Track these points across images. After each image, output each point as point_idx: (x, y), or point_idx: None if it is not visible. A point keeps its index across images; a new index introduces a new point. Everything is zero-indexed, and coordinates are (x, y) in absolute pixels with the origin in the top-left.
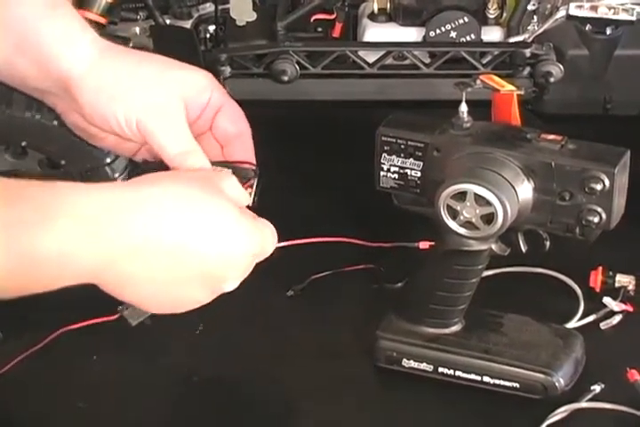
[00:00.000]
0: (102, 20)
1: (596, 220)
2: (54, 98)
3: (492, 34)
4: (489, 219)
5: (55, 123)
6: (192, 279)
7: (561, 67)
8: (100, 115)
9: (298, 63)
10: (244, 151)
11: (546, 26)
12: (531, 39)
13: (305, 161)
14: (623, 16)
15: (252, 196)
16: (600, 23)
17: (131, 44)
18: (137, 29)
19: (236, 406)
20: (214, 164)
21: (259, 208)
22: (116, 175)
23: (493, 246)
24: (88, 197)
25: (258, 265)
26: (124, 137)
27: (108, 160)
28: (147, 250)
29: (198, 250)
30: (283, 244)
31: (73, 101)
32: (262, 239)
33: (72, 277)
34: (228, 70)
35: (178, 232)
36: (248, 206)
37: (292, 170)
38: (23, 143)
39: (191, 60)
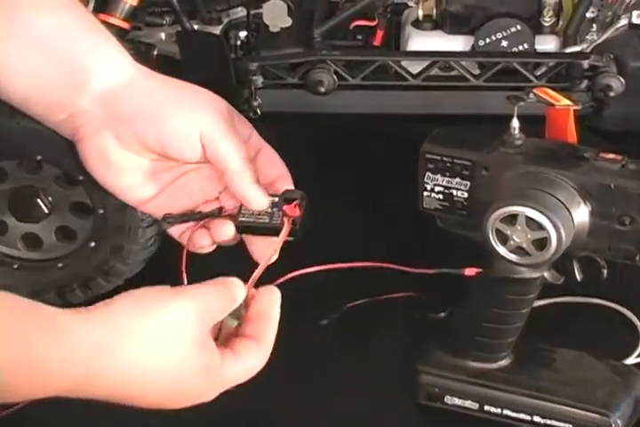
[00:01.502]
0: (126, 26)
1: None
2: (74, 119)
3: (547, 43)
4: (541, 244)
5: None
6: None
7: (622, 80)
8: (154, 128)
9: (335, 73)
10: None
11: (606, 35)
12: (589, 49)
13: (341, 179)
14: None
15: (300, 216)
16: None
17: (155, 51)
18: (162, 35)
19: None
20: None
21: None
22: None
23: (546, 274)
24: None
25: (288, 291)
26: (164, 155)
27: None
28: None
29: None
30: (316, 269)
31: (109, 116)
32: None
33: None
34: (259, 80)
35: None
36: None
37: (328, 189)
38: (38, 157)
39: (220, 68)
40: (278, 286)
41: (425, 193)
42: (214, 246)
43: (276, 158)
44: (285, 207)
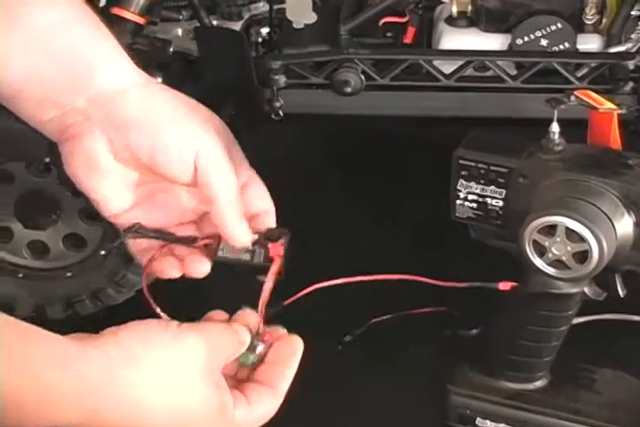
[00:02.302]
0: (141, 21)
1: None
2: (65, 117)
3: (590, 43)
4: (582, 257)
5: None
6: None
7: None
8: (148, 139)
9: (363, 73)
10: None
11: None
12: (635, 49)
13: (368, 186)
14: None
15: (284, 255)
16: None
17: (171, 48)
18: (179, 31)
19: None
20: None
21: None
22: None
23: (586, 289)
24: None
25: (310, 305)
26: (151, 169)
27: None
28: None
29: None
30: (339, 281)
31: (104, 118)
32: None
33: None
34: (282, 80)
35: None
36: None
37: (353, 195)
38: (46, 159)
39: (240, 67)
40: (300, 298)
41: (458, 201)
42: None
43: (264, 191)
44: (271, 246)
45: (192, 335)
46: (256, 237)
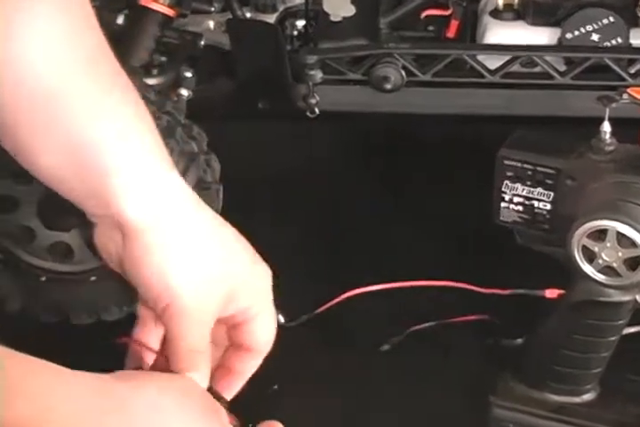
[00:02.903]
0: (170, 12)
1: None
2: (96, 218)
3: None
4: (634, 263)
5: None
6: None
7: None
8: (138, 273)
9: (404, 68)
10: (247, 367)
11: None
12: None
13: (408, 188)
14: None
15: None
16: None
17: (202, 42)
18: (211, 23)
19: None
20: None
21: None
22: None
23: (638, 298)
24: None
25: (345, 313)
26: (141, 294)
27: None
28: None
29: None
30: (376, 287)
31: (119, 240)
32: None
33: None
34: (318, 75)
35: None
36: None
37: (389, 199)
38: None
39: (275, 62)
40: (334, 306)
41: (502, 204)
42: None
43: (265, 331)
44: None
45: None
46: None
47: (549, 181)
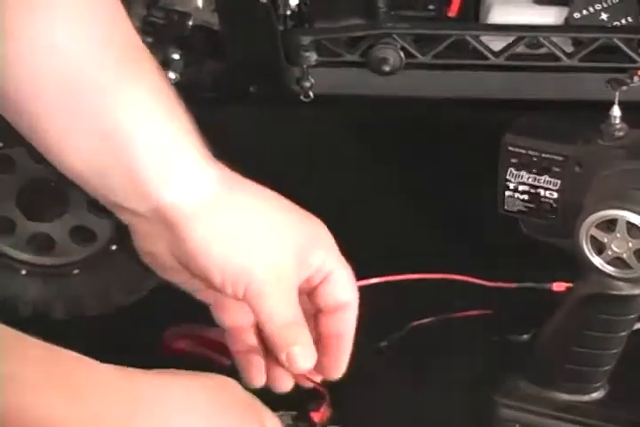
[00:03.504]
0: None
1: None
2: (138, 219)
3: None
4: None
5: None
6: None
7: None
8: (203, 264)
9: (403, 50)
10: (344, 325)
11: None
12: None
13: (405, 176)
14: None
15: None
16: None
17: (190, 21)
18: (199, 2)
19: None
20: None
21: None
22: None
23: None
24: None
25: None
26: (212, 288)
27: None
28: None
29: None
30: (374, 280)
31: (170, 236)
32: None
33: None
34: (313, 57)
35: None
36: None
37: (388, 187)
38: None
39: (267, 42)
40: None
41: (507, 193)
42: None
43: (347, 281)
44: (314, 414)
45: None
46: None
47: (556, 169)
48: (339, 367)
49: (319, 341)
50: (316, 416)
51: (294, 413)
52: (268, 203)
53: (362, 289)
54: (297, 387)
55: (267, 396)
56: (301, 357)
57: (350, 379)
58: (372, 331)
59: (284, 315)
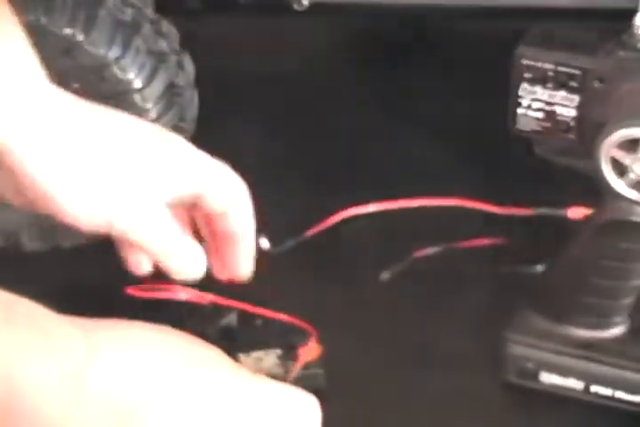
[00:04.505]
0: None
1: None
2: None
3: None
4: None
5: (69, 31)
6: None
7: None
8: (48, 206)
9: None
10: (237, 225)
11: None
12: None
13: (412, 93)
14: None
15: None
16: None
17: None
18: None
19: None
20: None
21: None
22: (148, 105)
23: None
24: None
25: (340, 237)
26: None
27: (138, 85)
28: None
29: None
30: (375, 207)
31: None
32: None
33: None
34: None
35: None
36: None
37: (393, 106)
38: None
39: None
40: (326, 229)
41: (520, 110)
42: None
43: (224, 193)
44: (302, 352)
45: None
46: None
47: (574, 84)
48: (241, 268)
49: (214, 240)
50: (304, 353)
51: (279, 351)
52: (119, 134)
53: (361, 217)
54: (282, 324)
55: (250, 334)
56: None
57: (348, 313)
58: (372, 262)
59: (161, 246)
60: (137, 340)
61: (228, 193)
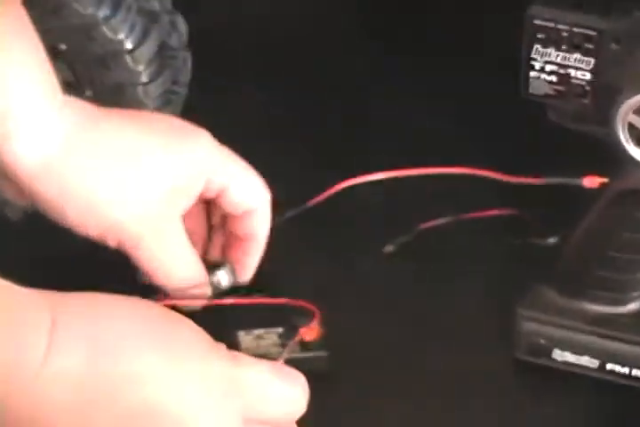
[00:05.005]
0: None
1: None
2: None
3: None
4: None
5: None
6: None
7: None
8: (62, 222)
9: None
10: (254, 228)
11: None
12: None
13: (419, 53)
14: None
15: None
16: None
17: None
18: None
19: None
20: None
21: None
22: (140, 68)
23: None
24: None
25: (341, 208)
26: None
27: (129, 46)
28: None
29: None
30: (380, 175)
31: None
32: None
33: None
34: None
35: None
36: None
37: (399, 67)
38: None
39: None
40: (327, 199)
41: (532, 74)
42: None
43: (247, 191)
44: (305, 332)
45: None
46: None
47: (589, 45)
48: (247, 270)
49: (228, 240)
50: (306, 333)
51: (280, 330)
52: (131, 137)
53: (365, 186)
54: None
55: (251, 312)
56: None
57: (351, 289)
58: (376, 234)
59: (176, 274)
60: (105, 312)
61: (251, 191)
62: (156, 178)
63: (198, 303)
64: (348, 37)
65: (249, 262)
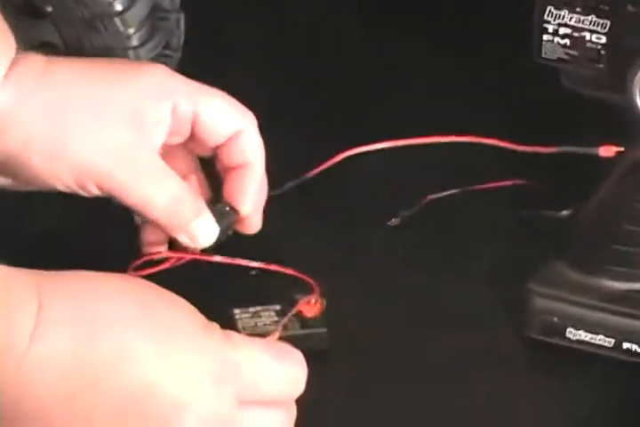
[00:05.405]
0: None
1: None
2: None
3: None
4: None
5: None
6: None
7: None
8: (27, 172)
9: None
10: (247, 153)
11: None
12: None
13: (423, 14)
14: None
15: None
16: None
17: None
18: None
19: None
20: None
21: None
22: (130, 31)
23: None
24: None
25: (344, 180)
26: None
27: (118, 8)
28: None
29: None
30: (383, 145)
31: None
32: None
33: None
34: None
35: None
36: None
37: (402, 33)
38: None
39: None
40: (329, 170)
41: (545, 37)
42: None
43: (225, 111)
44: (304, 308)
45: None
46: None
47: (604, 7)
48: (246, 200)
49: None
50: (305, 308)
51: (277, 307)
52: (86, 76)
53: (368, 156)
54: (282, 278)
55: (247, 289)
56: (203, 232)
57: (353, 264)
58: (380, 206)
59: (160, 199)
60: (93, 292)
61: (227, 113)
62: (116, 106)
63: (187, 257)
64: (348, 37)
65: (247, 190)
